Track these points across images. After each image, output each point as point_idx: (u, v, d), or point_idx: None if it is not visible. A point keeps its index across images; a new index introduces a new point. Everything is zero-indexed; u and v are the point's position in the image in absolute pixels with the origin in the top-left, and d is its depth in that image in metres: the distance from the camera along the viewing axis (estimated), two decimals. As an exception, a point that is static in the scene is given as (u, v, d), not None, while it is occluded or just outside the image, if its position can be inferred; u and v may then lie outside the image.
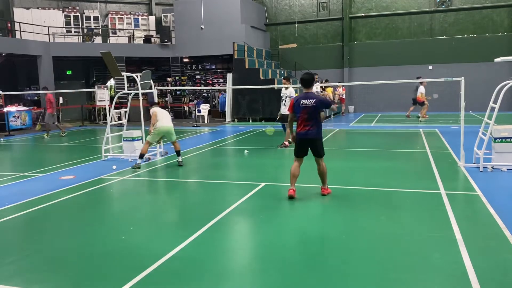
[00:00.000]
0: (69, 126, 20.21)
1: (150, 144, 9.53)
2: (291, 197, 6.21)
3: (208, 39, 21.91)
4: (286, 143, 11.27)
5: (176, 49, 23.12)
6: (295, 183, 6.33)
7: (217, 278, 3.89)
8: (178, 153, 9.52)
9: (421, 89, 17.82)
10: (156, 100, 10.87)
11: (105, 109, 19.10)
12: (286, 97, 11.42)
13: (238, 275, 4.02)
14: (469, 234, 4.73)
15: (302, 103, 6.12)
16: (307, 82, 6.24)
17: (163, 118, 9.47)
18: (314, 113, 6.10)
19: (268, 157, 10.12)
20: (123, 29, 24.56)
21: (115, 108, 13.64)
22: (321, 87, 22.10)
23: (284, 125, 11.49)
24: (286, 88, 11.43)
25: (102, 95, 21.18)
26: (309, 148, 6.29)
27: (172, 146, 9.71)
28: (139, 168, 9.04)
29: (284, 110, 11.22)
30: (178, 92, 23.38)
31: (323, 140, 6.39)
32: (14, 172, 9.14)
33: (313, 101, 6.07)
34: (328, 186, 6.49)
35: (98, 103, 21.75)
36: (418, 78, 15.56)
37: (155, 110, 9.56)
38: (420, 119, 18.02)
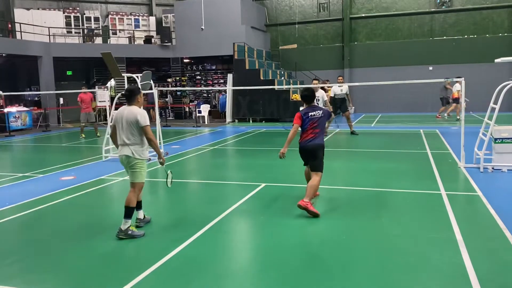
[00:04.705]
0: (70, 126, 20.22)
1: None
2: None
3: (208, 40, 21.91)
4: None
5: (176, 50, 23.13)
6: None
7: (217, 278, 3.89)
8: (138, 205, 5.30)
9: (457, 86, 17.52)
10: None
11: (105, 109, 19.09)
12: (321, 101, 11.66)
13: (238, 276, 4.02)
14: (469, 235, 4.73)
15: (311, 115, 6.04)
16: (310, 98, 6.21)
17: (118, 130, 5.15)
18: (323, 123, 6.10)
19: (268, 157, 10.10)
20: (123, 30, 24.57)
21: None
22: (322, 87, 22.09)
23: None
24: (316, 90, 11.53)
25: (102, 96, 21.16)
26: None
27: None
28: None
29: None
30: (178, 93, 23.39)
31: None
32: (15, 173, 9.14)
33: (321, 112, 6.07)
34: (329, 186, 6.45)
35: (98, 104, 21.74)
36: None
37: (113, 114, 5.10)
38: (457, 117, 17.78)
